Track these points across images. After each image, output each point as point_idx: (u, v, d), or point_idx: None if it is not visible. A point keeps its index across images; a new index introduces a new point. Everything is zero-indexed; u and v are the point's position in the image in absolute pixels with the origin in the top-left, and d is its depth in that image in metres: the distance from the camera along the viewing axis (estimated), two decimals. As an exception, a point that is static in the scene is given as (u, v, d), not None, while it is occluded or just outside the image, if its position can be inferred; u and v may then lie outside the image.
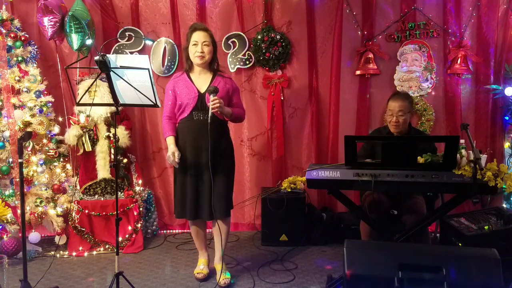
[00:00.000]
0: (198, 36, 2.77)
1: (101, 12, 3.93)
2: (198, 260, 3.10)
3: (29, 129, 3.42)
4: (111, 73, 2.28)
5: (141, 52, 3.97)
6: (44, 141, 3.58)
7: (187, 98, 2.78)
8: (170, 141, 2.84)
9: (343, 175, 2.49)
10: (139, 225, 3.64)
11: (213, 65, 2.87)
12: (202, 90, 2.79)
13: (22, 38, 3.56)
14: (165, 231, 4.10)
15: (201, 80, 2.84)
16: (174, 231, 4.11)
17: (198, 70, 2.85)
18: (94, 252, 3.55)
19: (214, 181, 2.75)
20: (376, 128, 3.34)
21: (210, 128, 2.64)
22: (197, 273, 3.00)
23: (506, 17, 3.90)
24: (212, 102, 2.62)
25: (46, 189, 3.52)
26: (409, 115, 3.01)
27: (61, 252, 3.54)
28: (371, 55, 3.93)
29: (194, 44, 2.77)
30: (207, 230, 3.14)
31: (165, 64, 3.98)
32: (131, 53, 3.96)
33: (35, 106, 3.52)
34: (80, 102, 2.50)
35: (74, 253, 3.51)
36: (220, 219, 2.88)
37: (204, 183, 2.79)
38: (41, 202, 3.47)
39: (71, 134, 3.57)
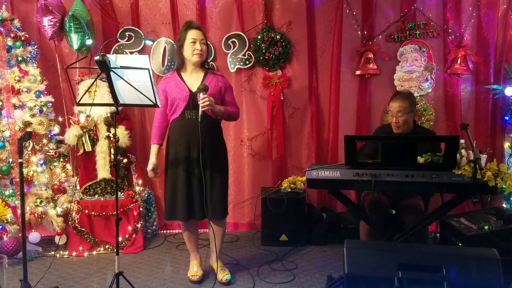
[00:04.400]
0: (196, 34, 2.75)
1: (101, 12, 3.93)
2: (190, 262, 3.06)
3: (29, 129, 3.42)
4: (111, 73, 2.28)
5: (141, 52, 3.97)
6: (44, 141, 3.58)
7: (178, 98, 2.76)
8: (153, 151, 2.86)
9: (343, 175, 2.49)
10: (139, 225, 3.64)
11: (205, 63, 2.87)
12: (194, 89, 2.75)
13: (22, 38, 3.56)
14: (165, 231, 4.10)
15: (193, 79, 2.82)
16: (174, 231, 4.11)
17: (190, 69, 2.83)
18: (94, 252, 3.55)
19: (208, 182, 2.74)
20: (381, 125, 3.33)
21: (202, 127, 2.64)
22: (192, 276, 2.96)
23: (506, 17, 3.90)
24: (202, 100, 2.60)
25: (46, 189, 3.52)
26: (411, 114, 2.96)
27: (61, 252, 3.54)
28: (371, 55, 3.93)
29: (192, 42, 2.74)
30: (202, 230, 3.13)
31: (165, 64, 3.98)
32: (131, 53, 3.96)
33: (35, 106, 3.52)
34: (80, 102, 2.50)
35: (74, 253, 3.50)
36: (215, 221, 2.87)
37: (196, 183, 2.76)
38: (41, 202, 3.47)
39: (71, 134, 3.57)
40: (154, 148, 2.87)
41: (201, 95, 2.62)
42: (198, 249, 3.10)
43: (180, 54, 2.81)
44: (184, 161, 2.77)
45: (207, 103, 2.61)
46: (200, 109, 2.62)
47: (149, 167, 2.83)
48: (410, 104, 2.94)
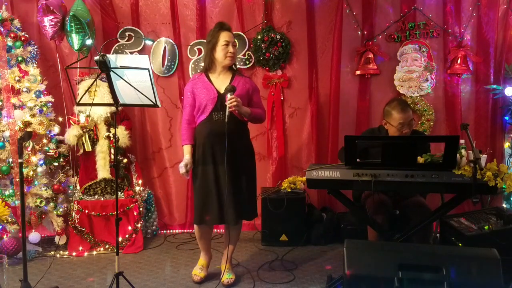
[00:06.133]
0: (229, 36, 2.73)
1: (101, 12, 3.93)
2: (199, 259, 3.04)
3: (29, 129, 3.42)
4: (111, 73, 2.28)
5: (141, 52, 3.97)
6: (44, 141, 3.57)
7: (206, 99, 2.72)
8: (186, 150, 2.80)
9: (343, 175, 2.48)
10: (139, 225, 3.64)
11: (233, 65, 2.84)
12: (222, 91, 2.71)
13: (22, 38, 3.56)
14: (165, 231, 4.10)
15: (221, 80, 2.78)
16: (174, 231, 4.11)
17: (219, 71, 2.79)
18: (94, 252, 3.55)
19: (235, 184, 2.72)
20: (369, 128, 3.29)
21: (228, 128, 2.61)
22: (194, 275, 2.96)
23: (506, 17, 3.91)
24: (230, 101, 2.58)
25: (46, 189, 3.52)
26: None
27: (61, 252, 3.54)
28: (371, 55, 3.93)
29: (225, 44, 2.71)
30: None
31: (165, 64, 3.98)
32: (131, 53, 3.96)
33: (35, 106, 3.52)
34: (80, 102, 2.50)
35: (74, 253, 3.50)
36: (235, 224, 2.83)
37: (223, 185, 2.70)
38: (41, 202, 3.47)
39: (71, 134, 3.58)
40: (187, 148, 2.80)
41: (228, 96, 2.59)
42: (210, 250, 3.07)
43: (212, 55, 2.76)
44: (212, 163, 2.73)
45: (234, 103, 2.58)
46: (227, 110, 2.59)
47: (183, 163, 2.73)
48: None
